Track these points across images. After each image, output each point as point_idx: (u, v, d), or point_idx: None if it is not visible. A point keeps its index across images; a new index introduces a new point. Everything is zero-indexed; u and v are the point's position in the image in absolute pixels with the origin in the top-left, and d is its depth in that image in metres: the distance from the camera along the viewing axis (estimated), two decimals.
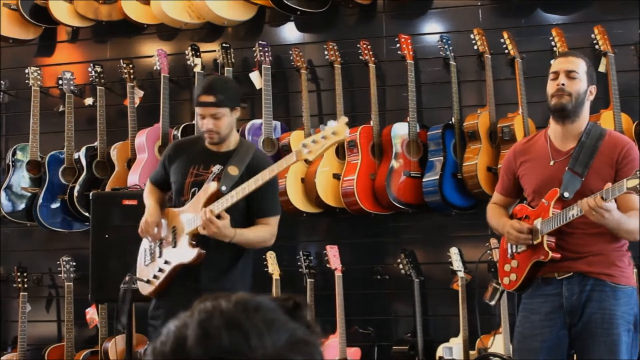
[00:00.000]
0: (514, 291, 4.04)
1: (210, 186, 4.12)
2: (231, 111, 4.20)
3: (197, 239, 4.14)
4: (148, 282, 4.30)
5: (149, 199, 4.40)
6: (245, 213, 4.21)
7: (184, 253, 4.17)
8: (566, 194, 3.77)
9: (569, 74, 3.87)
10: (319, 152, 3.91)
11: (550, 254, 3.78)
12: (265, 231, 4.22)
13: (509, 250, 3.98)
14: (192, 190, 4.23)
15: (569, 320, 3.81)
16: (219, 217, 4.04)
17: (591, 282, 3.80)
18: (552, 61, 4.09)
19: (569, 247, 3.80)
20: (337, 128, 3.89)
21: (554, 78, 3.90)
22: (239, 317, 1.16)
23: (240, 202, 4.09)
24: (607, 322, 3.76)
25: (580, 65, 3.89)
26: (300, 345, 1.17)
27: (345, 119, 3.93)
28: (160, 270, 4.26)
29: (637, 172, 3.54)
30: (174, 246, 4.22)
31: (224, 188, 4.08)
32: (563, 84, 3.85)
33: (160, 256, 4.28)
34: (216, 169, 4.17)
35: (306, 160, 4.15)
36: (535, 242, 3.83)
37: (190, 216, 4.15)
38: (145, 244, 4.39)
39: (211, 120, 4.14)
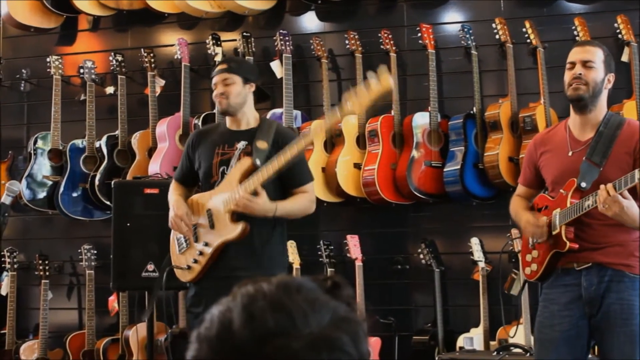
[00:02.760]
0: (535, 281, 4.04)
1: (244, 161, 4.15)
2: (244, 83, 4.29)
3: (237, 214, 4.15)
4: (189, 267, 4.29)
5: (172, 195, 4.41)
6: (278, 186, 4.20)
7: (227, 230, 4.17)
8: (583, 184, 3.76)
9: (586, 64, 3.84)
10: (364, 104, 3.91)
11: (568, 244, 3.77)
12: (305, 199, 4.25)
13: (530, 241, 3.97)
14: (221, 169, 4.26)
15: (589, 310, 3.80)
16: (255, 193, 4.07)
17: (609, 273, 3.78)
18: (570, 53, 4.04)
19: (588, 237, 3.79)
20: (381, 78, 3.89)
21: (570, 68, 3.88)
22: (282, 299, 1.17)
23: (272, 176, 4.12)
24: (626, 312, 3.75)
25: (597, 54, 3.87)
26: (344, 323, 1.18)
27: (385, 68, 3.94)
28: (201, 253, 4.25)
29: None
30: (212, 227, 4.22)
31: (257, 162, 4.11)
32: (580, 74, 3.83)
33: (197, 241, 4.28)
34: (241, 144, 4.21)
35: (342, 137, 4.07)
36: (554, 233, 3.82)
37: (226, 195, 4.16)
38: (177, 233, 4.39)
39: (221, 87, 4.25)
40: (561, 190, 3.83)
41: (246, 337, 1.14)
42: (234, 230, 4.15)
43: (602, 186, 3.62)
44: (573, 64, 3.87)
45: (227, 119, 4.38)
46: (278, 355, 1.13)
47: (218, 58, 6.25)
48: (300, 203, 4.24)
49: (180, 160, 4.55)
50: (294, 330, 1.14)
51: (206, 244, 4.24)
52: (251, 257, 4.20)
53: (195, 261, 4.27)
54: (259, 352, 1.14)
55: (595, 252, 3.79)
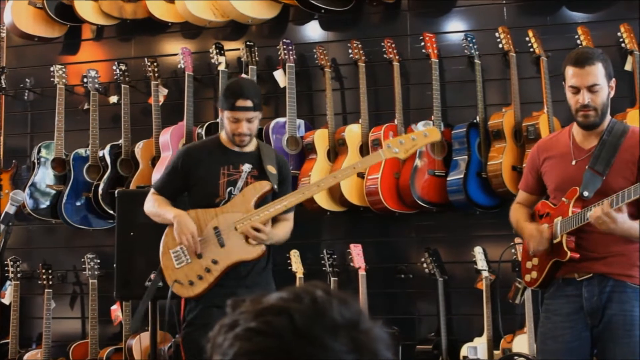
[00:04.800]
0: (535, 289, 4.05)
1: (263, 184, 4.28)
2: (260, 114, 4.40)
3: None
4: (191, 283, 4.30)
5: (168, 208, 4.38)
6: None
7: (243, 250, 4.27)
8: (586, 193, 3.74)
9: (591, 89, 3.77)
10: (410, 152, 4.21)
11: (569, 253, 3.75)
12: (288, 227, 4.42)
13: (530, 249, 3.97)
14: (228, 189, 4.33)
15: (590, 321, 3.79)
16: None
17: (611, 284, 3.77)
18: (567, 68, 3.85)
19: (589, 246, 3.78)
20: (430, 130, 4.22)
21: (574, 92, 3.80)
22: (341, 296, 1.20)
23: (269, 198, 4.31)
24: (629, 323, 3.75)
25: (598, 72, 3.78)
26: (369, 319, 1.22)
27: (431, 123, 4.15)
28: (209, 270, 4.28)
29: None
30: (222, 246, 4.27)
31: (275, 186, 4.28)
32: (588, 102, 3.77)
33: (201, 257, 4.29)
34: (246, 167, 4.32)
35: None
36: (555, 242, 3.81)
37: (239, 215, 4.27)
38: (174, 247, 4.37)
39: (246, 124, 4.28)
40: (563, 199, 3.81)
41: (316, 328, 1.14)
42: (253, 252, 4.27)
43: (599, 205, 3.62)
44: (577, 90, 3.79)
45: (225, 138, 4.42)
46: (349, 345, 1.15)
47: (221, 67, 6.25)
48: (286, 231, 4.41)
49: (166, 175, 4.52)
50: (358, 324, 1.17)
51: (215, 262, 4.27)
52: (256, 276, 4.32)
53: (201, 277, 4.29)
54: (328, 342, 1.14)
55: (596, 262, 3.78)
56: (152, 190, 4.51)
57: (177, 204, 4.46)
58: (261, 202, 4.30)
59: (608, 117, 3.88)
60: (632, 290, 3.76)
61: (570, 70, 3.83)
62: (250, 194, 4.27)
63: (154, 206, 4.42)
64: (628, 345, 3.73)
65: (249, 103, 4.27)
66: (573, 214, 3.75)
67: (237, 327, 1.16)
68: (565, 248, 3.76)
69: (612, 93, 3.86)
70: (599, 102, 3.78)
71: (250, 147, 4.38)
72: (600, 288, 3.77)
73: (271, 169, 4.33)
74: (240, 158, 4.35)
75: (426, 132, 4.24)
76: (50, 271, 6.48)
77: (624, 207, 3.61)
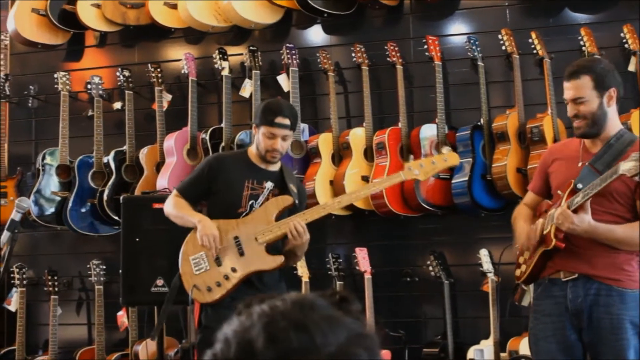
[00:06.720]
0: (523, 283, 4.11)
1: (285, 198, 4.40)
2: (293, 134, 4.58)
3: (270, 247, 4.37)
4: (209, 289, 4.35)
5: (191, 212, 4.45)
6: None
7: (263, 260, 4.36)
8: (579, 185, 3.77)
9: (576, 101, 3.85)
10: (429, 174, 4.49)
11: (554, 241, 3.77)
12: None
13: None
14: (250, 202, 4.43)
15: (576, 322, 3.81)
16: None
17: (595, 287, 3.79)
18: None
19: (575, 241, 3.79)
20: (449, 156, 4.47)
21: (567, 103, 3.91)
22: (301, 318, 1.18)
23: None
24: (616, 327, 3.76)
25: (584, 86, 3.83)
26: (360, 339, 1.20)
27: (450, 149, 4.73)
28: (227, 278, 4.35)
29: (636, 155, 3.53)
30: (242, 255, 4.35)
31: (297, 202, 4.41)
32: (575, 114, 3.85)
33: (220, 265, 4.35)
34: (269, 184, 4.45)
35: None
36: (545, 232, 3.84)
37: (260, 227, 4.36)
38: (193, 254, 4.42)
39: (280, 141, 4.40)
40: (559, 191, 3.85)
41: (269, 357, 1.14)
42: (272, 262, 4.37)
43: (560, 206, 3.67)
44: (567, 102, 3.90)
45: (254, 154, 4.49)
46: None
47: (225, 72, 6.26)
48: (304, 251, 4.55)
49: (192, 179, 4.58)
50: (315, 349, 1.15)
51: (234, 270, 4.36)
52: (273, 285, 4.41)
53: (219, 284, 4.35)
54: None
55: (581, 262, 3.80)
56: (174, 192, 4.57)
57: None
58: (281, 216, 4.39)
59: (616, 125, 3.90)
60: (618, 294, 3.78)
61: (564, 83, 3.95)
62: (272, 207, 4.39)
63: (176, 208, 4.48)
64: (615, 349, 3.75)
65: (287, 121, 4.40)
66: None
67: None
68: (552, 236, 3.78)
69: (612, 102, 3.87)
70: (586, 111, 3.83)
71: (275, 167, 4.50)
72: (584, 290, 3.80)
73: (293, 188, 4.47)
74: (265, 175, 4.46)
75: (446, 157, 4.47)
76: (56, 277, 6.48)
77: (587, 207, 3.64)
